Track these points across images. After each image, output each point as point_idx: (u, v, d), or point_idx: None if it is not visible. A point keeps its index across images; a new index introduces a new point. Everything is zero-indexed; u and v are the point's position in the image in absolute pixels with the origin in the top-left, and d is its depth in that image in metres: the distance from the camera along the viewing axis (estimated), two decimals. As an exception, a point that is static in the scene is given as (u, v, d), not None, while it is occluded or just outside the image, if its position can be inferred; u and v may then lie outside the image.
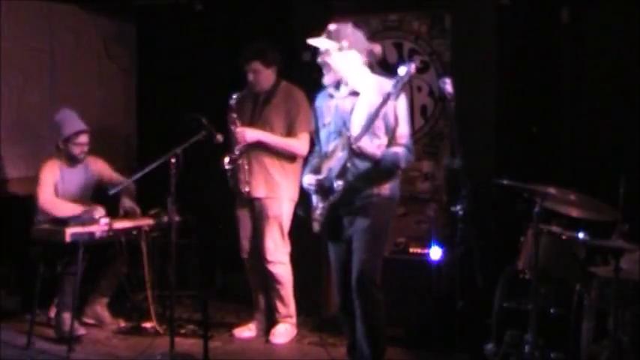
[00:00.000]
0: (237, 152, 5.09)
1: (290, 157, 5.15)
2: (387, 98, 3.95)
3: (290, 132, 5.13)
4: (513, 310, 4.32)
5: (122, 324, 5.52)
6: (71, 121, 5.36)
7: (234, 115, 5.09)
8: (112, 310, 5.61)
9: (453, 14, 5.55)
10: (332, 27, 4.23)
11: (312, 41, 4.22)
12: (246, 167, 5.11)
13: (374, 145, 4.08)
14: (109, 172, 5.59)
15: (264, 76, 5.15)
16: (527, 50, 5.35)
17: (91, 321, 5.47)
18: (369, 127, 3.97)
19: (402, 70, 3.95)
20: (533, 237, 3.93)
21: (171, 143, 4.61)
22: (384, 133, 4.13)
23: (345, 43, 4.18)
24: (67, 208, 5.20)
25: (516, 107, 5.37)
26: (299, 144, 5.08)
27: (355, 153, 4.01)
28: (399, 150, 4.13)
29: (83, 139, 5.38)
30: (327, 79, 4.25)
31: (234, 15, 6.36)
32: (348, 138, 4.06)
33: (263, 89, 5.18)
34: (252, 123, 5.16)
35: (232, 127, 5.09)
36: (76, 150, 5.37)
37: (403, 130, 4.14)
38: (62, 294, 5.24)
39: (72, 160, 5.41)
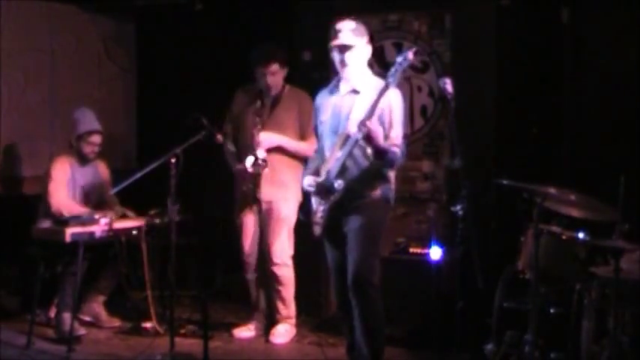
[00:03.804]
0: (263, 156, 4.98)
1: (299, 159, 5.14)
2: (385, 87, 3.96)
3: (302, 135, 5.13)
4: (513, 310, 4.32)
5: (118, 323, 5.53)
6: (86, 120, 5.47)
7: (258, 119, 5.06)
8: (111, 310, 5.61)
9: (453, 14, 5.55)
10: (352, 24, 4.18)
11: (345, 39, 4.13)
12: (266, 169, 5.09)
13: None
14: (108, 184, 5.63)
15: (280, 77, 5.14)
16: (527, 50, 5.35)
17: (87, 318, 5.48)
18: (372, 112, 3.94)
19: (399, 58, 3.97)
20: (533, 237, 3.93)
21: (172, 143, 4.61)
22: None
23: (366, 38, 4.20)
24: (79, 213, 5.23)
25: (516, 107, 5.37)
26: (310, 148, 5.05)
27: (363, 134, 3.94)
28: (396, 150, 4.11)
29: (95, 139, 5.48)
30: (346, 76, 4.20)
31: (234, 15, 6.36)
32: (347, 136, 4.06)
33: (277, 91, 5.17)
34: (262, 126, 5.12)
35: (254, 131, 5.04)
36: (87, 149, 5.45)
37: (397, 132, 4.13)
38: (62, 294, 5.24)
39: (82, 159, 5.48)
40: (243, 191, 5.16)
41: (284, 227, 5.15)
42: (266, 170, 4.98)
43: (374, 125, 3.96)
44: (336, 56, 4.19)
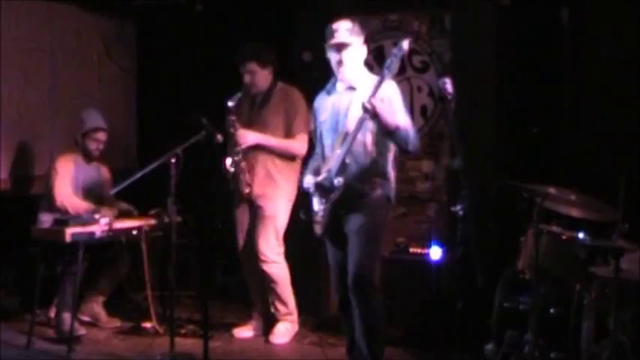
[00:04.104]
0: (238, 154, 5.08)
1: (289, 157, 5.15)
2: (382, 77, 3.96)
3: (288, 133, 5.13)
4: (513, 310, 4.32)
5: (118, 323, 5.53)
6: (92, 118, 5.55)
7: (233, 118, 5.09)
8: (111, 310, 5.61)
9: (453, 14, 5.56)
10: (348, 23, 4.18)
11: (342, 38, 4.12)
12: (247, 169, 5.12)
13: (369, 141, 4.07)
14: (109, 187, 5.63)
15: (260, 76, 5.15)
16: (527, 50, 5.35)
17: (86, 318, 5.48)
18: (374, 92, 3.92)
19: (394, 49, 3.97)
20: (533, 237, 3.93)
21: (172, 143, 4.61)
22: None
23: (362, 38, 4.20)
24: (82, 208, 5.24)
25: (516, 107, 5.37)
26: (298, 145, 5.09)
27: (368, 111, 3.91)
28: (409, 130, 4.08)
29: (100, 136, 5.54)
30: (343, 75, 4.19)
31: (234, 15, 6.36)
32: (346, 133, 4.06)
33: (259, 90, 5.18)
34: (250, 124, 5.15)
35: (231, 130, 5.09)
36: (92, 145, 5.50)
37: (402, 117, 4.09)
38: (62, 294, 5.24)
39: (87, 156, 5.53)
40: (235, 189, 5.21)
41: (269, 225, 5.15)
42: (243, 164, 5.05)
43: (378, 102, 3.94)
44: (333, 56, 4.18)
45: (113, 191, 5.19)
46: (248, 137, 5.09)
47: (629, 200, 3.86)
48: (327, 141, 4.26)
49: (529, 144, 5.31)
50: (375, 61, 5.60)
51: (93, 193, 5.56)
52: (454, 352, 4.16)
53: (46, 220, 5.30)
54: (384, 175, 4.18)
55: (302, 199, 4.59)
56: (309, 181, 4.25)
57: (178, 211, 4.64)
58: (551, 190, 3.90)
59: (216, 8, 6.39)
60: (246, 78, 5.13)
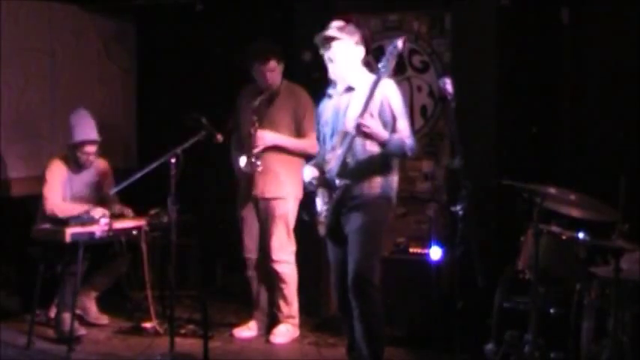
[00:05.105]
0: (255, 155, 5.03)
1: (297, 156, 5.13)
2: (378, 78, 3.97)
3: (299, 132, 5.13)
4: (513, 310, 4.32)
5: (106, 321, 5.54)
6: (83, 128, 5.37)
7: (255, 118, 5.05)
8: (111, 310, 5.62)
9: (453, 14, 5.56)
10: (341, 22, 4.21)
11: (329, 32, 4.16)
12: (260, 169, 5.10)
13: (369, 141, 4.07)
14: (110, 180, 5.61)
15: (278, 73, 5.15)
16: (527, 50, 5.35)
17: (77, 311, 5.45)
18: (367, 106, 3.95)
19: (389, 47, 3.97)
20: (533, 237, 3.93)
21: (171, 143, 4.61)
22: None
23: (356, 38, 4.20)
24: (73, 212, 5.20)
25: (516, 107, 5.37)
26: (311, 144, 5.06)
27: (360, 131, 3.94)
28: (404, 138, 4.10)
29: (90, 149, 5.40)
30: (333, 74, 4.22)
31: (234, 15, 6.36)
32: (345, 132, 4.05)
33: (276, 88, 5.17)
34: (259, 124, 5.13)
35: (252, 130, 5.05)
36: (82, 158, 5.42)
37: (404, 123, 4.12)
38: (62, 294, 5.24)
39: (78, 166, 5.45)
40: (243, 188, 5.19)
41: (281, 225, 5.15)
42: (259, 169, 5.01)
43: (367, 121, 3.95)
44: (325, 56, 4.20)
45: (113, 191, 5.19)
46: (267, 138, 5.07)
47: (629, 200, 3.86)
48: (329, 142, 4.26)
49: (529, 144, 5.31)
50: (376, 61, 5.60)
51: (90, 197, 5.52)
52: (454, 352, 4.14)
53: (43, 224, 5.27)
54: (385, 175, 4.18)
55: (304, 199, 4.59)
56: (312, 174, 4.23)
57: (178, 211, 4.64)
58: (551, 190, 3.89)
59: (216, 8, 6.39)
60: (268, 76, 5.09)
